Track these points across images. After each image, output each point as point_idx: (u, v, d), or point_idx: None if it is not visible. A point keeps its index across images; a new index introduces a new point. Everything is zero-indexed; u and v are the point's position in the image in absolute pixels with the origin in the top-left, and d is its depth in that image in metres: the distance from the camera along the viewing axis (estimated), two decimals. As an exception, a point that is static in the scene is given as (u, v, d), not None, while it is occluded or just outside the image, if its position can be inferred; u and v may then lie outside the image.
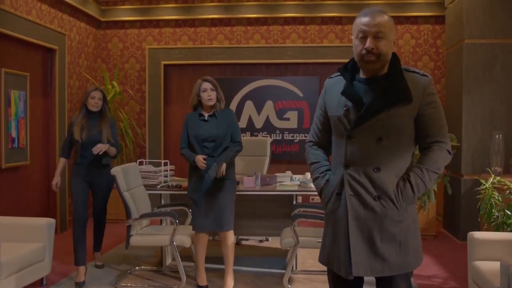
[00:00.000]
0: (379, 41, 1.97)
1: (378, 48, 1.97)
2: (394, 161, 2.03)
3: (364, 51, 1.98)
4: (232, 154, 3.93)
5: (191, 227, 4.29)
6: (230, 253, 3.96)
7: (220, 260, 4.26)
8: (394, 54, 2.07)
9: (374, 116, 1.99)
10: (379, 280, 2.13)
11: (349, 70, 2.11)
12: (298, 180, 4.73)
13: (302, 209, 4.14)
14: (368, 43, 1.97)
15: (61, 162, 4.41)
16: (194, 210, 3.95)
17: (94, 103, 4.27)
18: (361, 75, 2.09)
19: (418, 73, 2.08)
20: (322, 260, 2.21)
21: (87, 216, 4.29)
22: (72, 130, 4.25)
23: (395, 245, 2.03)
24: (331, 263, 2.13)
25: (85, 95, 4.31)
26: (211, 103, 3.91)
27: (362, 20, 2.00)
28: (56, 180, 4.37)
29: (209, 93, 3.90)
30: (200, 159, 3.81)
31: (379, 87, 2.02)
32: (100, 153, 4.17)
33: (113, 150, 4.32)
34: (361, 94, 2.04)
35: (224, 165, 3.83)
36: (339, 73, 2.18)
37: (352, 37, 2.08)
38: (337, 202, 2.09)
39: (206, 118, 3.93)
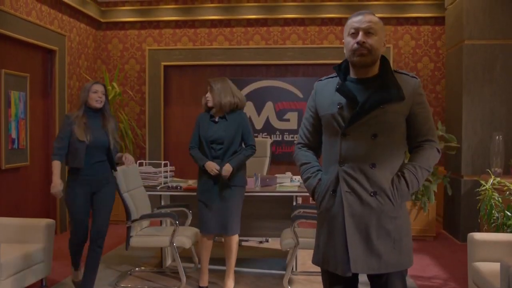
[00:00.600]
0: (370, 36, 2.04)
1: (369, 43, 2.03)
2: (388, 158, 2.07)
3: (355, 45, 2.04)
4: (242, 158, 3.88)
5: (191, 228, 4.30)
6: (233, 257, 3.95)
7: (221, 261, 4.26)
8: (383, 56, 2.14)
9: (369, 113, 2.03)
10: (374, 280, 2.14)
11: (342, 70, 2.16)
12: (298, 181, 4.73)
13: (302, 210, 4.13)
14: (360, 37, 2.04)
15: (58, 166, 3.65)
16: (201, 212, 3.89)
17: (98, 98, 3.70)
18: (352, 75, 2.13)
19: (407, 74, 2.16)
20: (316, 260, 2.22)
21: (88, 233, 3.78)
22: (71, 130, 3.64)
23: (390, 242, 2.05)
24: (327, 263, 2.14)
25: (84, 90, 3.74)
26: (210, 104, 3.92)
27: (354, 19, 2.09)
28: (58, 186, 3.61)
29: (206, 95, 3.95)
30: (211, 167, 3.80)
31: (371, 86, 2.07)
32: (130, 165, 3.84)
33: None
34: (357, 92, 2.07)
35: (229, 166, 3.79)
36: (328, 76, 2.24)
37: (343, 40, 2.14)
38: (331, 199, 2.11)
39: (216, 120, 3.91)
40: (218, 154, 3.85)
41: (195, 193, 4.03)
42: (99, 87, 3.74)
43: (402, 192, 2.05)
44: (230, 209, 3.85)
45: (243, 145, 3.98)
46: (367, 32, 2.04)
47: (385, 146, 2.05)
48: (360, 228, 2.04)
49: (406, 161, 2.15)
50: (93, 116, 3.75)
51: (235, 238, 3.93)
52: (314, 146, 2.28)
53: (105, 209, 3.79)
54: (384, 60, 2.13)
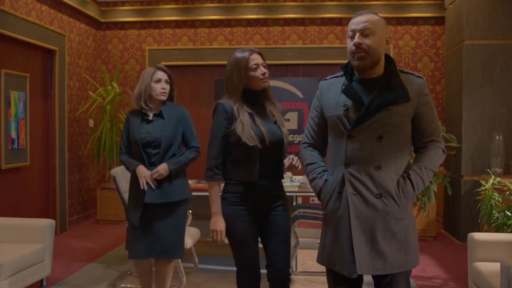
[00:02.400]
0: (367, 37, 2.04)
1: (366, 44, 2.03)
2: (394, 160, 2.06)
3: (353, 47, 2.04)
4: (183, 160, 3.17)
5: (191, 228, 4.28)
6: (165, 285, 3.29)
7: (220, 261, 4.26)
8: (388, 55, 2.13)
9: (374, 114, 2.03)
10: (378, 279, 2.14)
11: (349, 70, 2.15)
12: (298, 181, 4.73)
13: (302, 210, 4.13)
14: (356, 38, 2.04)
15: (218, 190, 2.56)
16: (130, 232, 3.23)
17: (262, 75, 2.56)
18: (358, 75, 2.13)
19: (413, 74, 2.14)
20: (321, 260, 2.22)
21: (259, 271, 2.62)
22: (232, 130, 2.48)
23: (396, 243, 2.05)
24: (333, 263, 2.14)
25: (236, 66, 2.52)
26: (164, 97, 3.16)
27: (352, 20, 2.10)
28: (223, 225, 2.50)
29: (163, 85, 3.15)
30: (143, 173, 3.07)
31: (377, 87, 2.06)
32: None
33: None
34: (363, 94, 2.07)
35: (165, 167, 3.08)
36: (333, 75, 2.23)
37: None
38: (338, 201, 2.11)
39: (150, 118, 3.17)
40: (155, 160, 3.12)
41: (195, 193, 3.83)
42: (258, 59, 2.58)
43: (408, 193, 2.06)
44: (169, 229, 3.14)
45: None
46: (364, 33, 2.03)
47: (390, 148, 2.05)
48: (365, 230, 2.04)
49: (411, 161, 2.15)
50: (255, 102, 2.58)
51: (172, 263, 3.27)
52: (320, 145, 2.28)
53: (285, 237, 2.59)
54: (389, 60, 2.12)
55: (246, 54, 2.53)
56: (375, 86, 2.06)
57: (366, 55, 2.03)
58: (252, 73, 2.51)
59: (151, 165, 3.13)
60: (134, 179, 3.16)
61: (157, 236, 3.12)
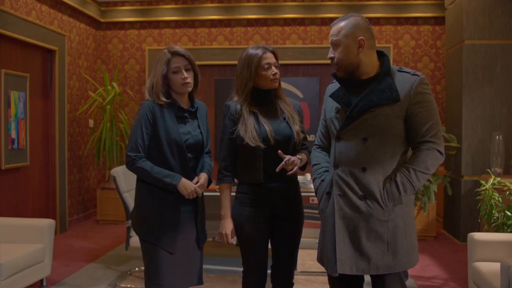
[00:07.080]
0: (335, 49, 2.10)
1: (336, 57, 2.10)
2: (380, 161, 2.06)
3: (330, 61, 2.13)
4: (211, 167, 2.65)
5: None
6: None
7: (220, 261, 4.26)
8: (383, 54, 2.14)
9: (358, 117, 2.05)
10: (373, 279, 2.17)
11: None
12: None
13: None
14: (329, 52, 2.13)
15: (228, 192, 2.49)
16: (160, 263, 2.56)
17: (273, 76, 2.41)
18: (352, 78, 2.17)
19: (409, 73, 2.11)
20: (317, 258, 2.29)
21: (266, 272, 2.62)
22: (236, 131, 2.41)
23: (382, 244, 2.05)
24: (323, 261, 2.20)
25: (248, 60, 2.40)
26: (190, 88, 2.52)
27: None
28: (230, 228, 2.46)
29: (183, 75, 2.48)
30: (189, 186, 2.46)
31: (365, 89, 2.08)
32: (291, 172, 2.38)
33: (304, 158, 2.48)
34: (353, 96, 2.09)
35: (206, 178, 2.56)
36: None
37: None
38: (326, 201, 2.17)
39: (186, 114, 2.55)
40: (193, 167, 2.55)
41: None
42: (271, 58, 2.42)
43: (393, 196, 2.04)
44: (200, 248, 2.67)
45: None
46: (333, 46, 2.10)
47: (377, 149, 2.05)
48: (349, 230, 2.07)
49: None
50: (264, 101, 2.48)
51: None
52: (328, 147, 2.32)
53: (293, 246, 2.57)
54: (384, 60, 2.12)
55: (259, 51, 2.40)
56: (365, 88, 2.07)
57: (339, 68, 2.10)
58: (263, 72, 2.39)
59: (186, 175, 2.48)
60: (160, 195, 2.48)
61: (190, 260, 2.60)
